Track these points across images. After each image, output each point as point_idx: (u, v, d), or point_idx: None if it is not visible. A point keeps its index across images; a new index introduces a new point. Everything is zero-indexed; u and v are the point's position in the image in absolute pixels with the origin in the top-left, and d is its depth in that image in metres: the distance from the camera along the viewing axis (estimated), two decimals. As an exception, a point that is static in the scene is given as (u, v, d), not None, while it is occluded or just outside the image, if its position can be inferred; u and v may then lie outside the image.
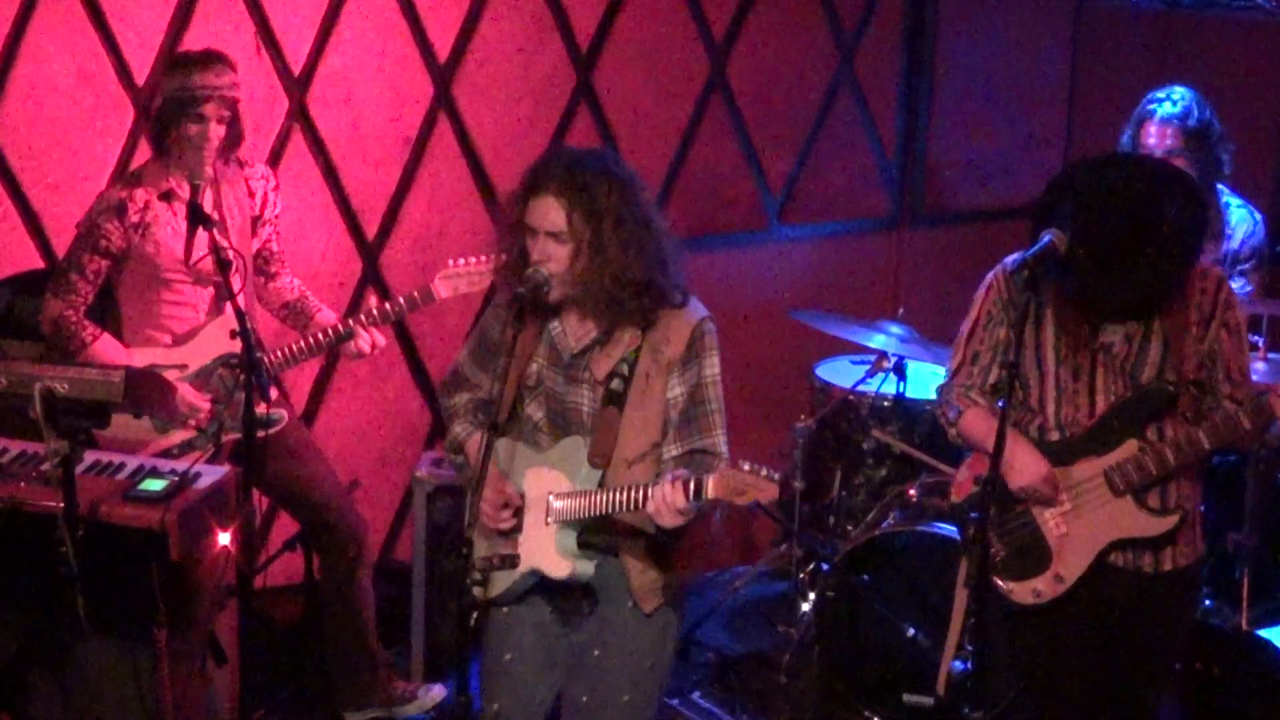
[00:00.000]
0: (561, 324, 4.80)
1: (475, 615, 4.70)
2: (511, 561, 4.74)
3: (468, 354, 5.02)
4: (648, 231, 4.70)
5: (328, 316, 6.27)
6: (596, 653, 4.88)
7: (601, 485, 4.72)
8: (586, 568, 4.79)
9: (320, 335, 6.10)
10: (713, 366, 4.81)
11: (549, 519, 4.77)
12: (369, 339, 6.11)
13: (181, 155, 5.85)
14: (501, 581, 4.84)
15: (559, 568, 4.78)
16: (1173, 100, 6.44)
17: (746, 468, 4.46)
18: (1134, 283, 4.78)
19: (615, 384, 4.74)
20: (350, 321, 6.11)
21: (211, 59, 5.88)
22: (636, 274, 4.66)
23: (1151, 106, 6.47)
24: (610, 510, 4.67)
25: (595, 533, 4.78)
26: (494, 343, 4.89)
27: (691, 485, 4.52)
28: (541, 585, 4.85)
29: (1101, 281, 4.78)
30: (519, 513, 4.81)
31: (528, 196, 4.67)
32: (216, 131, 5.85)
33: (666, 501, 4.52)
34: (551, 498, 4.76)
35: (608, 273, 4.64)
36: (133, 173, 6.11)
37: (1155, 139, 6.39)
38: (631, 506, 4.63)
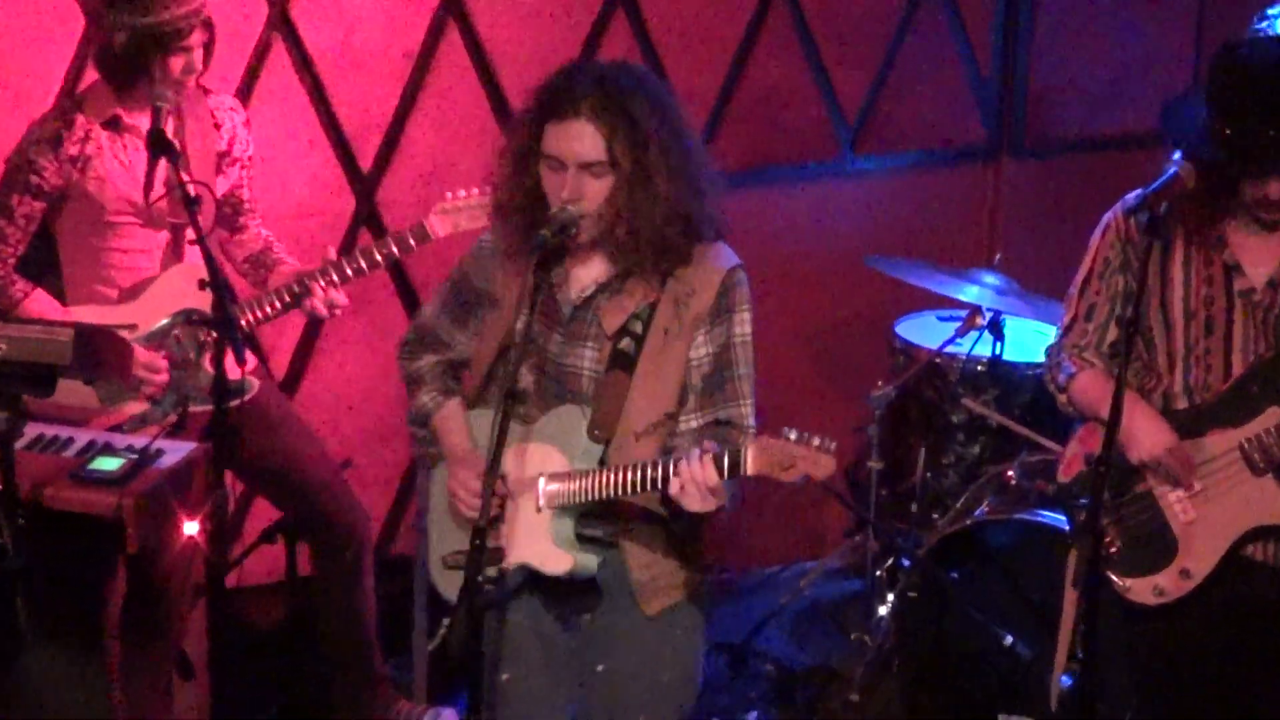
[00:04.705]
0: (565, 270, 4.75)
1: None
2: (496, 556, 4.63)
3: (440, 309, 4.99)
4: (689, 157, 4.67)
5: (287, 271, 6.17)
6: (601, 667, 4.86)
7: (603, 463, 4.68)
8: (589, 562, 4.75)
9: (271, 305, 6.02)
10: (744, 324, 4.76)
11: (541, 504, 4.71)
12: (324, 298, 5.99)
13: (152, 88, 5.79)
14: None
15: (556, 562, 4.74)
16: None
17: (793, 436, 4.40)
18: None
19: (625, 343, 4.70)
20: (305, 279, 6.00)
21: None
22: (684, 207, 4.62)
23: None
24: (616, 493, 4.62)
25: (594, 520, 4.74)
26: (476, 293, 4.87)
27: (726, 459, 4.46)
28: (534, 585, 4.80)
29: (1252, 148, 4.72)
30: (503, 497, 4.77)
31: (546, 120, 4.61)
32: (199, 59, 5.84)
33: (695, 480, 4.47)
34: (543, 479, 4.71)
35: (658, 210, 4.61)
36: (73, 98, 6.09)
37: None
38: (643, 487, 4.59)
